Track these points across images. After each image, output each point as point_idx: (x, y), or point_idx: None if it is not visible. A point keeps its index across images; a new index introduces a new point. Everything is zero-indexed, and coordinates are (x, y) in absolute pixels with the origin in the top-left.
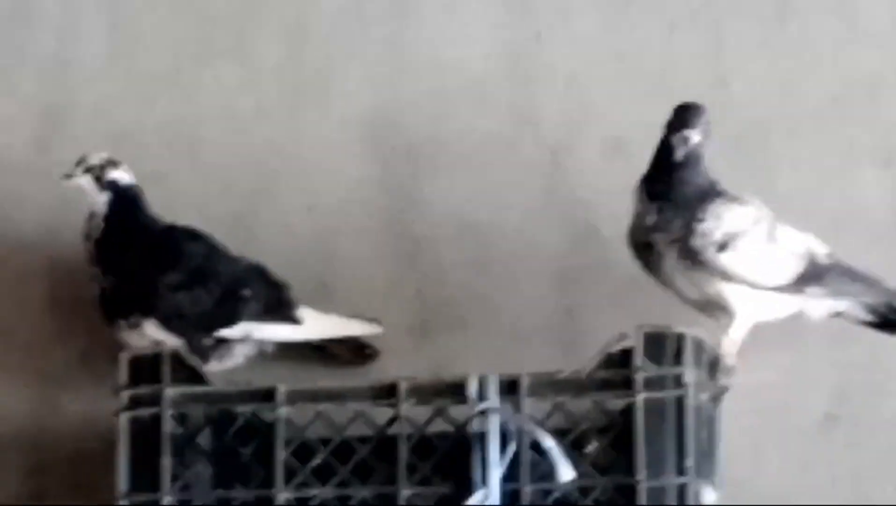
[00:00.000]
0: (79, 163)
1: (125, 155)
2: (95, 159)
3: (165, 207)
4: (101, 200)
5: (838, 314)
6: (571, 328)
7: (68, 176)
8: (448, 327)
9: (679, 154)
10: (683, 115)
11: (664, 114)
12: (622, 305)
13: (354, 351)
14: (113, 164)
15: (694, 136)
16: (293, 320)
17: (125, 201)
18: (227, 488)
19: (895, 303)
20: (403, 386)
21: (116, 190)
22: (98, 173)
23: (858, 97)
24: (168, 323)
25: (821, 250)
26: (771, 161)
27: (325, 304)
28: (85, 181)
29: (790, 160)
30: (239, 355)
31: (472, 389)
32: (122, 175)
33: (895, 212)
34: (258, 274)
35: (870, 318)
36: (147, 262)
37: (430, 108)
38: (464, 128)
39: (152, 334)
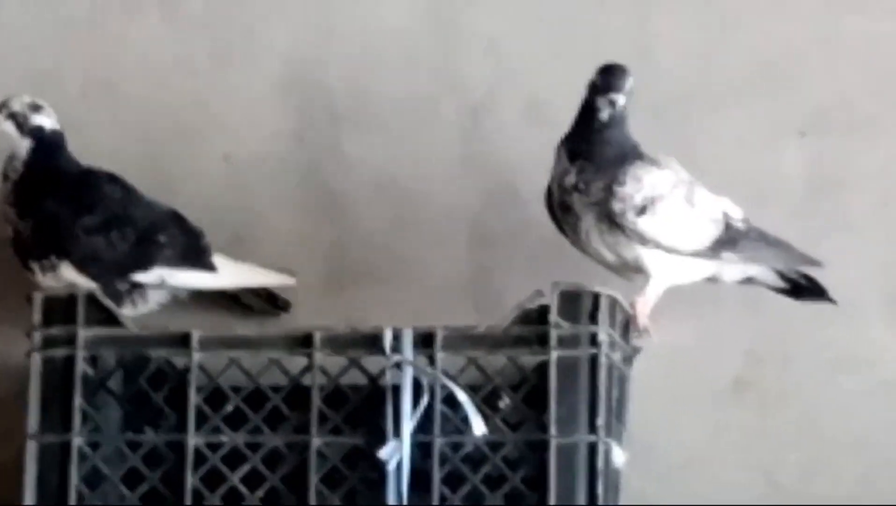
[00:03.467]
0: (1, 108)
1: (43, 99)
2: (17, 105)
3: (82, 152)
4: (24, 145)
5: (749, 279)
6: (486, 287)
7: None
8: (362, 282)
9: (604, 115)
10: (610, 78)
11: (586, 78)
12: (537, 266)
13: (267, 301)
14: (36, 108)
15: (620, 99)
16: (208, 268)
17: (48, 146)
18: (138, 432)
19: (806, 269)
20: (318, 336)
21: (40, 136)
22: (21, 120)
23: (779, 70)
24: (83, 266)
25: (736, 215)
26: (692, 132)
27: (239, 255)
28: (8, 127)
29: (711, 131)
30: (152, 301)
31: (387, 341)
32: (45, 120)
33: (813, 183)
34: (174, 220)
35: (781, 284)
36: (64, 204)
37: (351, 65)
38: (385, 86)
39: (67, 277)
